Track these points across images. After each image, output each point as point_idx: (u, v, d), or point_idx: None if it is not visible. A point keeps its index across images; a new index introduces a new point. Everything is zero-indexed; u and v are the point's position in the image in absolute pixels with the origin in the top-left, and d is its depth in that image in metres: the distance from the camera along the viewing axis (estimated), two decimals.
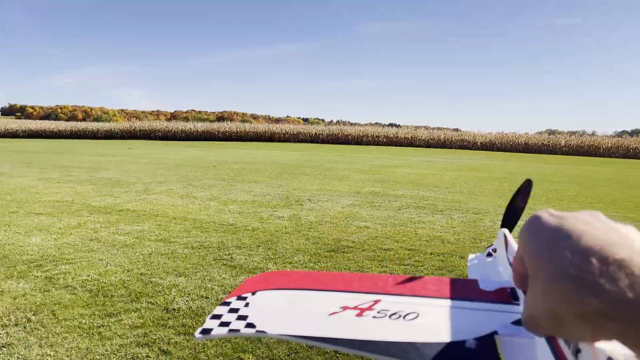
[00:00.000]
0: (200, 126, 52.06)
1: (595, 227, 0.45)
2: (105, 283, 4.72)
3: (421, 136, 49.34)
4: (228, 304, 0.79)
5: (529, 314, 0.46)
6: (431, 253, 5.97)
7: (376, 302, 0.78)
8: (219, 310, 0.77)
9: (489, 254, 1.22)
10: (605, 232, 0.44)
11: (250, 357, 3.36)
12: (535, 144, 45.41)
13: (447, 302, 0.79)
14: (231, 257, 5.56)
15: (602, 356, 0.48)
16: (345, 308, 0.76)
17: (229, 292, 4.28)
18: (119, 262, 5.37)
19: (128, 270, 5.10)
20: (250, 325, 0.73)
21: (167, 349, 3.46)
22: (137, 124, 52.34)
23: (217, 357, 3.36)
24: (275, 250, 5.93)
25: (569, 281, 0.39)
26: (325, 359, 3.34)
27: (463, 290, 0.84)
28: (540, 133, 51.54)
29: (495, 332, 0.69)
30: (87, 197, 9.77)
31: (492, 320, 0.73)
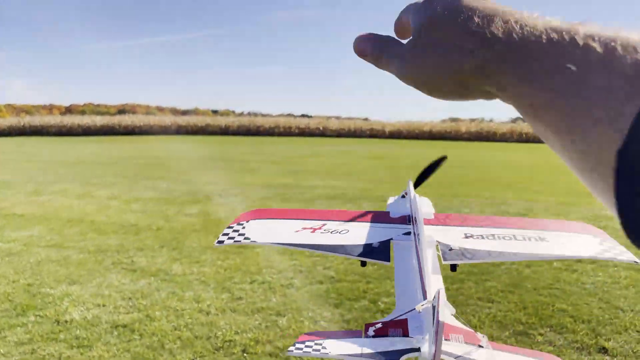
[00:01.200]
0: (100, 120, 48.91)
1: None
2: None
3: (332, 126, 50.17)
4: (232, 227, 1.35)
5: (413, 64, 0.47)
6: None
7: (323, 225, 1.36)
8: (226, 230, 1.33)
9: (403, 196, 1.82)
10: None
11: None
12: (439, 132, 47.96)
13: (368, 224, 1.39)
14: (132, 261, 5.23)
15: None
16: (304, 228, 1.33)
17: (129, 296, 4.01)
18: (3, 273, 4.84)
19: (13, 282, 4.61)
20: (247, 238, 1.28)
21: None
22: (27, 120, 48.00)
23: None
24: (181, 249, 5.68)
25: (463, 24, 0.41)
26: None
27: (379, 217, 1.46)
28: (444, 121, 54.52)
29: (391, 239, 1.27)
30: None
31: (391, 233, 1.31)
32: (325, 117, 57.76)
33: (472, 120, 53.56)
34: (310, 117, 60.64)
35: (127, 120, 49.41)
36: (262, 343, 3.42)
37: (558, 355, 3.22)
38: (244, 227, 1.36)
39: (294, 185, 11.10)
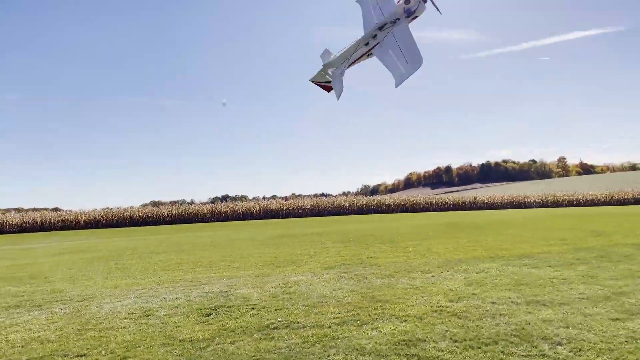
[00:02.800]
0: None
1: None
2: None
3: (12, 221, 42.88)
4: None
5: None
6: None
7: None
8: None
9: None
10: None
11: None
12: (140, 217, 46.60)
13: None
14: None
15: None
16: None
17: None
18: None
19: None
20: None
21: None
22: None
23: None
24: None
25: None
26: None
27: None
28: (145, 205, 53.52)
29: None
30: None
31: None
32: (2, 210, 49.03)
33: (174, 202, 54.62)
34: None
35: None
36: None
37: None
38: None
39: None
